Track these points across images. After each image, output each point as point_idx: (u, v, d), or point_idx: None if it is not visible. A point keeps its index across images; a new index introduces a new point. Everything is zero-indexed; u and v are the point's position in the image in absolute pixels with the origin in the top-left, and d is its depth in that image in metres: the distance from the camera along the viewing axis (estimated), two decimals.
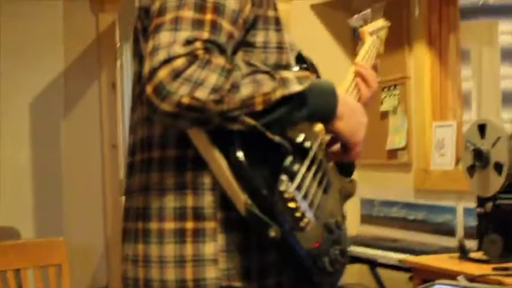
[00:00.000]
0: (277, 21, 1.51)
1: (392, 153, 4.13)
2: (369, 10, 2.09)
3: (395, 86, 4.13)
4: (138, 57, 1.53)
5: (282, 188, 1.33)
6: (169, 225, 1.43)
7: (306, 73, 1.46)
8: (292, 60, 1.56)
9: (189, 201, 1.42)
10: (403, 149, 4.05)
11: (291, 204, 1.34)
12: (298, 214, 1.35)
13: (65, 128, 4.76)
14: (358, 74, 1.76)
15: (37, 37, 4.69)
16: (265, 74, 1.35)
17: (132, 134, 1.56)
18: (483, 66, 4.81)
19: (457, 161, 3.66)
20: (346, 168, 1.65)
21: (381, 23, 2.06)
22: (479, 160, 2.89)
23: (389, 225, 4.14)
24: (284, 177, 1.34)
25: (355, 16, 2.07)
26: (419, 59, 3.97)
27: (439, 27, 3.95)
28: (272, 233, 1.31)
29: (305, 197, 1.39)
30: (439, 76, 3.94)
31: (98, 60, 4.76)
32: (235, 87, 1.30)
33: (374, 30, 2.01)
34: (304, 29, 4.02)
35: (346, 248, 1.50)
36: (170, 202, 1.43)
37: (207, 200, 1.42)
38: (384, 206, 4.21)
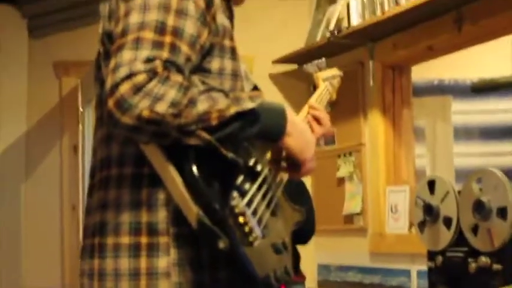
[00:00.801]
0: (233, 51, 1.58)
1: (349, 218, 4.21)
2: (323, 59, 2.18)
3: (350, 153, 4.24)
4: (99, 81, 1.60)
5: (233, 203, 1.39)
6: (125, 239, 1.48)
7: (258, 92, 1.54)
8: (247, 88, 1.64)
9: (144, 216, 1.47)
10: (359, 214, 4.13)
11: (241, 219, 1.39)
12: (247, 229, 1.40)
13: (25, 190, 4.76)
14: (310, 113, 1.85)
15: (0, 98, 4.73)
16: (220, 92, 1.42)
17: (93, 157, 1.62)
18: (437, 143, 4.95)
19: (411, 225, 3.75)
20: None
21: (334, 71, 2.16)
22: (430, 215, 2.98)
23: None
24: (235, 193, 1.40)
25: (310, 63, 2.16)
26: (374, 127, 4.10)
27: (392, 97, 4.10)
28: (221, 245, 1.36)
29: (254, 214, 1.45)
30: (393, 143, 4.07)
31: (60, 124, 4.80)
32: (192, 102, 1.36)
33: (328, 77, 2.11)
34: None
35: (290, 267, 1.56)
36: (126, 217, 1.48)
37: (161, 215, 1.47)
38: (341, 271, 4.26)
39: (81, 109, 4.77)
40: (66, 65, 4.84)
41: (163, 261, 1.46)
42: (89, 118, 4.75)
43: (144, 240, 1.47)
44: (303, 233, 3.40)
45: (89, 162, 4.05)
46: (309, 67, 2.19)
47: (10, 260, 4.66)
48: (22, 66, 4.84)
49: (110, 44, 1.49)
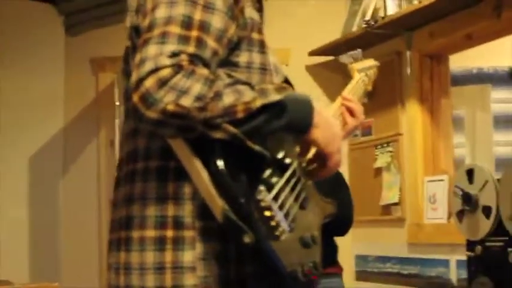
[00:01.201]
0: (262, 44, 1.57)
1: (386, 208, 4.18)
2: (359, 50, 2.15)
3: (388, 143, 4.20)
4: (127, 75, 1.57)
5: (259, 197, 1.37)
6: (150, 233, 1.47)
7: (284, 85, 1.52)
8: (277, 81, 1.61)
9: (170, 210, 1.46)
10: (396, 204, 4.10)
11: (267, 213, 1.37)
12: (273, 223, 1.38)
13: (63, 184, 4.81)
14: (343, 105, 1.82)
15: (38, 95, 4.79)
16: (246, 85, 1.40)
17: (120, 151, 1.62)
18: (476, 132, 4.89)
19: (450, 215, 3.70)
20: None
21: (370, 62, 2.13)
22: (468, 204, 2.94)
23: (384, 280, 4.15)
24: (262, 187, 1.38)
25: (346, 54, 2.13)
26: (412, 117, 4.06)
27: (430, 86, 4.06)
28: (246, 239, 1.34)
29: (281, 208, 1.42)
30: (430, 133, 4.02)
31: (97, 119, 4.84)
32: (217, 95, 1.35)
33: (363, 68, 2.08)
34: (299, 90, 4.11)
35: (319, 261, 1.54)
36: (151, 211, 1.47)
37: (187, 209, 1.46)
38: (378, 262, 4.23)
39: (117, 104, 4.81)
40: (102, 61, 4.88)
41: (188, 255, 1.45)
42: None
43: (169, 233, 1.46)
44: (341, 224, 3.38)
45: None
46: (344, 58, 2.16)
47: (49, 256, 4.71)
48: (59, 63, 4.89)
49: (138, 38, 1.48)
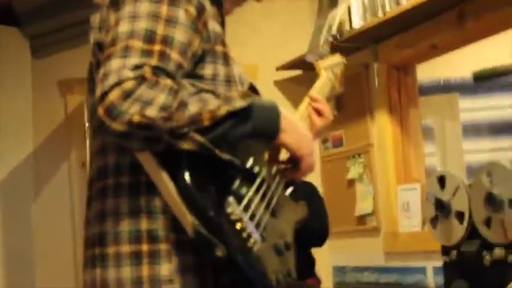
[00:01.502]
0: (226, 56, 1.58)
1: (361, 219, 4.21)
2: (326, 48, 2.14)
3: (359, 154, 4.24)
4: (92, 92, 1.58)
5: (229, 210, 1.38)
6: (126, 248, 1.47)
7: (249, 92, 1.53)
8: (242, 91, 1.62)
9: (143, 224, 1.47)
10: (371, 214, 4.13)
11: (238, 225, 1.38)
12: (244, 235, 1.39)
13: (35, 208, 4.76)
14: (310, 106, 1.84)
15: (6, 119, 4.74)
16: (210, 93, 1.41)
17: (90, 169, 1.63)
18: (446, 140, 4.95)
19: (424, 223, 3.74)
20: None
21: (337, 58, 2.10)
22: (441, 211, 2.98)
23: None
24: (231, 199, 1.39)
25: (312, 52, 2.12)
26: (382, 127, 4.10)
27: (398, 96, 4.11)
28: (219, 253, 1.35)
29: (252, 218, 1.43)
30: (401, 142, 4.07)
31: (67, 141, 4.81)
32: (182, 105, 1.35)
33: (329, 65, 2.06)
34: None
35: (293, 268, 1.55)
36: (125, 226, 1.47)
37: (160, 222, 1.46)
38: (356, 272, 4.25)
39: (87, 125, 4.78)
40: (70, 82, 4.86)
41: (165, 269, 1.45)
42: None
43: (145, 247, 1.46)
44: (317, 235, 3.41)
45: None
46: (310, 56, 2.14)
47: (24, 281, 4.65)
48: (26, 86, 4.86)
49: (101, 54, 1.49)
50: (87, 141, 4.73)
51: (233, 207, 1.38)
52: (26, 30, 4.87)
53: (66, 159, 4.81)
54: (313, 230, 3.17)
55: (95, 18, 1.59)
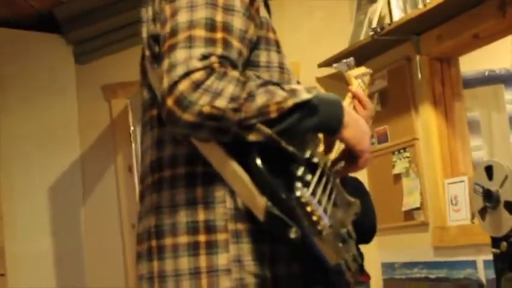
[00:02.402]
0: (277, 44, 1.59)
1: (409, 214, 4.17)
2: (351, 58, 2.21)
3: (404, 148, 4.20)
4: (146, 86, 1.61)
5: (298, 193, 1.37)
6: (183, 239, 1.48)
7: (312, 85, 1.53)
8: (294, 81, 1.64)
9: (201, 215, 1.48)
10: (418, 209, 4.09)
11: (308, 208, 1.38)
12: (315, 218, 1.38)
13: (85, 212, 4.83)
14: (354, 95, 1.85)
15: (53, 125, 4.82)
16: (276, 86, 1.42)
17: (141, 163, 1.63)
18: (493, 133, 4.89)
19: (473, 215, 3.69)
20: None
21: (363, 69, 2.18)
22: (490, 201, 2.93)
23: (412, 286, 4.13)
24: (299, 184, 1.39)
25: (340, 62, 2.19)
26: (427, 121, 4.06)
27: (442, 89, 4.06)
28: (292, 234, 1.35)
29: (319, 203, 1.44)
30: (447, 135, 4.02)
31: (113, 145, 4.87)
32: (250, 96, 1.36)
33: (358, 74, 2.13)
34: None
35: (357, 254, 1.57)
36: (182, 217, 1.48)
37: (218, 212, 1.47)
38: (405, 268, 4.21)
39: (132, 128, 4.83)
40: (113, 87, 4.92)
41: (223, 258, 1.46)
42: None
43: (202, 238, 1.47)
44: (365, 231, 3.39)
45: None
46: (340, 65, 2.21)
47: (75, 284, 4.72)
48: (71, 92, 4.93)
49: (157, 46, 1.50)
50: (133, 145, 4.78)
51: (302, 191, 1.38)
52: (69, 37, 4.94)
53: (113, 163, 4.86)
54: (361, 226, 3.16)
55: (145, 13, 1.59)
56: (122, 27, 4.86)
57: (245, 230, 1.46)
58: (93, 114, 4.90)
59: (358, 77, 2.13)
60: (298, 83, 1.69)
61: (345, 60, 2.18)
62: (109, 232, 4.79)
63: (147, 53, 1.58)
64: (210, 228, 1.47)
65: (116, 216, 4.81)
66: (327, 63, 4.60)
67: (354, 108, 1.88)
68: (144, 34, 1.60)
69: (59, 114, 4.85)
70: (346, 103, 1.89)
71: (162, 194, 1.52)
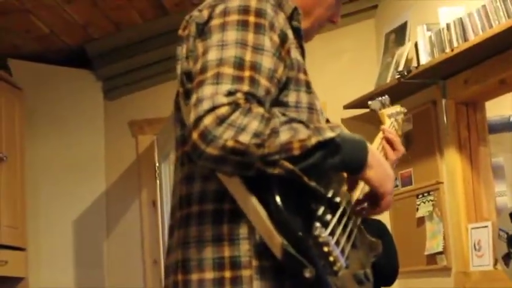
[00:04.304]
0: (308, 85, 1.60)
1: (431, 258, 4.15)
2: (386, 96, 2.20)
3: (429, 192, 4.19)
4: (180, 122, 1.63)
5: (316, 232, 1.38)
6: (209, 275, 1.48)
7: (337, 123, 1.55)
8: (323, 122, 1.64)
9: (226, 251, 1.48)
10: (441, 253, 4.07)
11: (325, 248, 1.38)
12: (331, 258, 1.39)
13: (108, 246, 4.86)
14: (385, 138, 1.85)
15: (80, 158, 4.88)
16: (300, 123, 1.43)
17: (172, 198, 1.65)
18: None
19: (496, 261, 3.66)
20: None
21: (398, 108, 2.17)
22: None
23: None
24: (318, 224, 1.40)
25: (375, 100, 2.18)
26: (451, 165, 4.05)
27: (468, 133, 4.06)
28: (307, 274, 1.35)
29: (337, 244, 1.44)
30: (471, 180, 4.01)
31: (138, 180, 4.91)
32: (274, 132, 1.37)
33: (393, 113, 2.12)
34: None
35: None
36: (208, 253, 1.49)
37: (243, 249, 1.47)
38: None
39: (157, 164, 4.87)
40: (140, 123, 4.98)
41: None
42: (165, 173, 4.83)
43: (227, 274, 1.48)
44: (388, 272, 3.37)
45: (169, 216, 4.12)
46: (374, 104, 2.20)
47: None
48: (99, 127, 4.99)
49: (189, 82, 1.53)
50: (157, 181, 4.81)
51: (320, 231, 1.39)
52: (99, 73, 5.03)
53: (137, 198, 4.90)
54: (383, 269, 3.15)
55: (182, 50, 1.62)
56: (150, 64, 4.93)
57: (268, 266, 1.46)
58: (119, 149, 4.96)
59: (392, 116, 2.13)
60: (327, 121, 1.72)
61: (379, 98, 2.17)
62: (131, 267, 4.80)
63: (181, 89, 1.61)
64: (235, 264, 1.48)
65: (138, 251, 4.83)
66: (353, 105, 4.63)
67: (383, 149, 1.87)
68: (179, 71, 1.63)
69: (86, 148, 4.92)
70: (376, 143, 1.89)
71: (190, 229, 1.54)
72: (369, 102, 2.20)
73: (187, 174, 1.58)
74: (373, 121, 4.53)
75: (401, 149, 1.88)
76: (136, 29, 4.73)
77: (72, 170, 4.85)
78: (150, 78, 5.01)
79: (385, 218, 4.05)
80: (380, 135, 1.90)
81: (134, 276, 4.79)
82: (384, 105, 2.18)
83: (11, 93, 4.48)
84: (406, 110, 2.20)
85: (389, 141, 1.88)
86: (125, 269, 4.80)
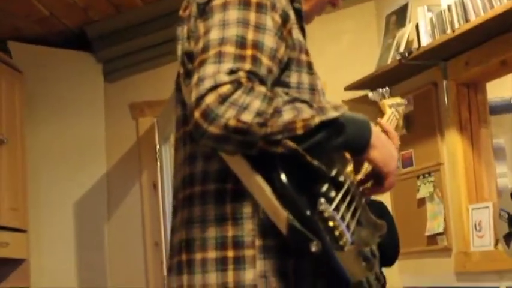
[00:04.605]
0: (310, 65, 1.60)
1: (432, 238, 4.16)
2: (387, 88, 2.22)
3: (429, 173, 4.20)
4: (181, 103, 1.63)
5: (322, 208, 1.38)
6: (212, 254, 1.49)
7: (341, 103, 1.55)
8: (325, 102, 1.62)
9: (229, 230, 1.49)
10: (442, 234, 4.08)
11: (331, 223, 1.38)
12: (337, 233, 1.39)
13: (109, 228, 4.88)
14: (382, 129, 1.85)
15: (80, 141, 4.89)
16: (304, 103, 1.43)
17: (174, 179, 1.65)
18: None
19: (497, 241, 3.68)
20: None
21: (398, 99, 2.19)
22: None
23: None
24: (322, 199, 1.40)
25: (375, 91, 2.20)
26: (452, 146, 4.06)
27: (469, 115, 4.06)
28: (313, 248, 1.34)
29: (342, 219, 1.44)
30: (472, 161, 4.01)
31: (138, 163, 4.92)
32: (277, 112, 1.37)
33: (393, 104, 2.14)
34: None
35: (379, 273, 1.56)
36: (212, 232, 1.50)
37: (246, 228, 1.48)
38: None
39: (158, 146, 4.87)
40: (141, 105, 4.98)
41: (249, 274, 1.47)
42: (166, 155, 4.84)
43: (230, 254, 1.48)
44: (389, 253, 3.38)
45: (170, 198, 4.14)
46: (374, 95, 2.22)
47: None
48: (99, 109, 4.99)
49: (190, 63, 1.52)
50: (158, 163, 4.82)
51: (325, 206, 1.39)
52: (99, 55, 5.02)
53: (138, 180, 4.91)
54: (384, 249, 3.16)
55: (182, 30, 1.61)
56: (150, 46, 4.92)
57: (271, 246, 1.46)
58: (120, 132, 4.96)
59: (393, 107, 2.14)
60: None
61: (380, 90, 2.19)
62: (132, 249, 4.82)
63: (181, 70, 1.61)
64: (238, 244, 1.48)
65: (139, 233, 4.84)
66: (354, 87, 4.62)
67: None
68: (179, 52, 1.62)
69: (86, 130, 4.92)
70: None
71: (193, 209, 1.54)
72: (369, 94, 2.22)
73: (190, 154, 1.59)
74: (373, 103, 4.54)
75: (397, 142, 1.87)
76: (137, 11, 4.72)
77: (72, 153, 4.85)
78: (150, 60, 5.00)
79: (386, 198, 4.06)
80: (376, 127, 1.90)
81: (135, 258, 4.81)
82: (384, 96, 2.19)
83: (11, 76, 4.47)
84: (406, 102, 2.22)
85: (386, 133, 1.84)
86: (125, 251, 4.82)
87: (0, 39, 4.68)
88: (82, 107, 4.95)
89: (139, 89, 5.00)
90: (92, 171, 4.90)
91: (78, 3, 4.43)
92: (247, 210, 1.49)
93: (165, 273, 4.69)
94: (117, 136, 4.96)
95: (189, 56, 1.55)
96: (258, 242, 1.48)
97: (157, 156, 4.87)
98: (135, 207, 4.87)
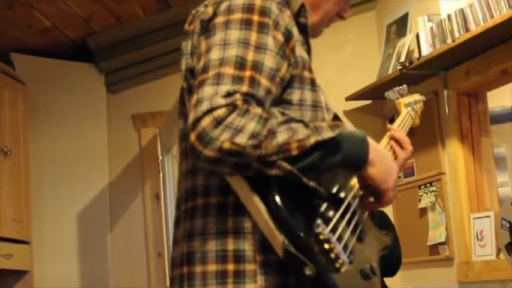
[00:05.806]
0: (313, 82, 1.60)
1: (434, 248, 4.16)
2: (405, 85, 2.19)
3: (431, 183, 4.20)
4: (184, 116, 1.64)
5: (318, 230, 1.39)
6: (212, 267, 1.49)
7: (337, 122, 1.55)
8: (328, 118, 1.65)
9: (230, 244, 1.49)
10: (443, 243, 4.08)
11: (326, 246, 1.39)
12: (332, 255, 1.40)
13: (112, 239, 4.88)
14: (392, 137, 1.85)
15: (83, 152, 4.90)
16: (299, 123, 1.43)
17: (178, 190, 1.66)
18: None
19: (498, 251, 3.68)
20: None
21: (416, 96, 2.15)
22: None
23: None
24: (319, 220, 1.41)
25: (392, 90, 2.17)
26: (453, 155, 4.06)
27: (470, 124, 4.07)
28: (308, 271, 1.35)
29: (339, 240, 1.44)
30: (473, 170, 4.01)
31: (141, 174, 4.93)
32: (271, 133, 1.38)
33: (410, 102, 2.10)
34: None
35: None
36: (212, 246, 1.50)
37: (248, 243, 1.48)
38: None
39: (160, 157, 4.88)
40: (143, 116, 4.99)
41: None
42: (168, 166, 4.85)
43: (230, 267, 1.48)
44: (390, 264, 3.38)
45: (172, 208, 4.14)
46: (391, 94, 2.19)
47: None
48: (102, 120, 5.01)
49: (193, 79, 1.53)
50: (160, 174, 4.83)
51: (321, 228, 1.39)
52: (101, 66, 5.04)
53: (140, 191, 4.92)
54: (387, 259, 3.16)
55: (187, 45, 1.63)
56: (152, 57, 4.94)
57: (273, 261, 1.46)
58: (122, 143, 4.97)
59: (410, 105, 2.11)
60: (336, 117, 1.72)
61: (397, 88, 2.16)
62: (135, 259, 4.82)
63: (185, 85, 1.62)
64: (239, 258, 1.48)
65: (142, 244, 4.84)
66: (355, 97, 4.64)
67: (392, 148, 1.86)
68: (183, 67, 1.64)
69: (89, 141, 4.93)
70: (384, 142, 1.88)
71: (195, 222, 1.55)
72: (386, 93, 2.19)
73: (192, 167, 1.60)
74: (375, 112, 4.56)
75: (409, 147, 1.87)
76: (138, 22, 4.74)
77: (75, 164, 4.86)
78: (152, 71, 5.02)
79: (387, 208, 4.04)
80: (388, 134, 1.89)
81: (138, 269, 4.81)
82: (401, 95, 2.16)
83: (14, 87, 4.49)
84: (425, 98, 2.18)
85: (397, 140, 1.87)
86: (128, 262, 4.82)
87: (3, 50, 4.70)
88: (85, 118, 4.96)
89: (141, 100, 5.02)
90: (95, 182, 4.92)
91: (80, 14, 4.45)
92: (248, 224, 1.49)
93: (168, 284, 4.71)
94: (120, 147, 4.98)
95: (192, 72, 1.57)
96: (259, 257, 1.48)
97: (160, 167, 4.88)
98: (137, 218, 4.88)
